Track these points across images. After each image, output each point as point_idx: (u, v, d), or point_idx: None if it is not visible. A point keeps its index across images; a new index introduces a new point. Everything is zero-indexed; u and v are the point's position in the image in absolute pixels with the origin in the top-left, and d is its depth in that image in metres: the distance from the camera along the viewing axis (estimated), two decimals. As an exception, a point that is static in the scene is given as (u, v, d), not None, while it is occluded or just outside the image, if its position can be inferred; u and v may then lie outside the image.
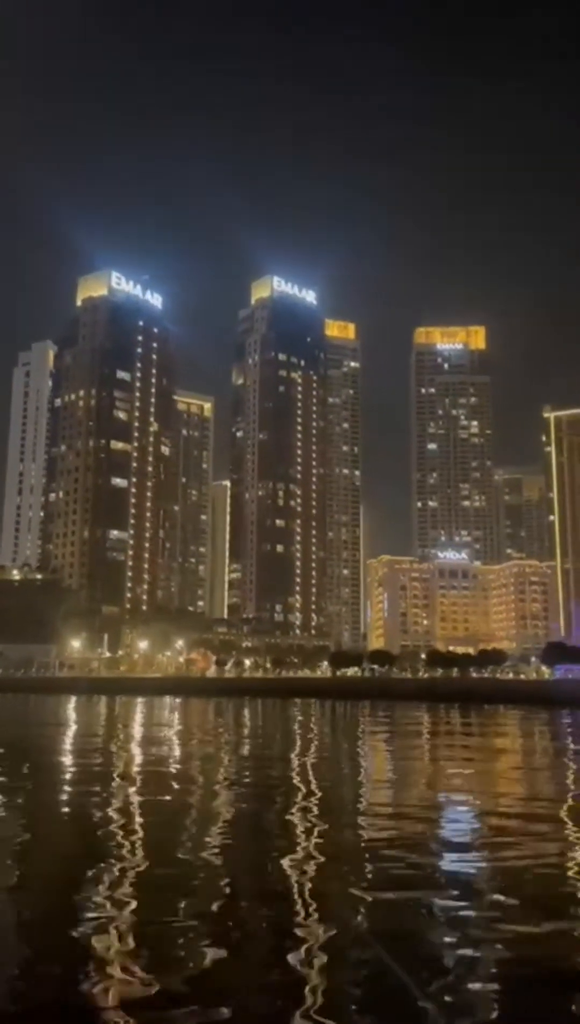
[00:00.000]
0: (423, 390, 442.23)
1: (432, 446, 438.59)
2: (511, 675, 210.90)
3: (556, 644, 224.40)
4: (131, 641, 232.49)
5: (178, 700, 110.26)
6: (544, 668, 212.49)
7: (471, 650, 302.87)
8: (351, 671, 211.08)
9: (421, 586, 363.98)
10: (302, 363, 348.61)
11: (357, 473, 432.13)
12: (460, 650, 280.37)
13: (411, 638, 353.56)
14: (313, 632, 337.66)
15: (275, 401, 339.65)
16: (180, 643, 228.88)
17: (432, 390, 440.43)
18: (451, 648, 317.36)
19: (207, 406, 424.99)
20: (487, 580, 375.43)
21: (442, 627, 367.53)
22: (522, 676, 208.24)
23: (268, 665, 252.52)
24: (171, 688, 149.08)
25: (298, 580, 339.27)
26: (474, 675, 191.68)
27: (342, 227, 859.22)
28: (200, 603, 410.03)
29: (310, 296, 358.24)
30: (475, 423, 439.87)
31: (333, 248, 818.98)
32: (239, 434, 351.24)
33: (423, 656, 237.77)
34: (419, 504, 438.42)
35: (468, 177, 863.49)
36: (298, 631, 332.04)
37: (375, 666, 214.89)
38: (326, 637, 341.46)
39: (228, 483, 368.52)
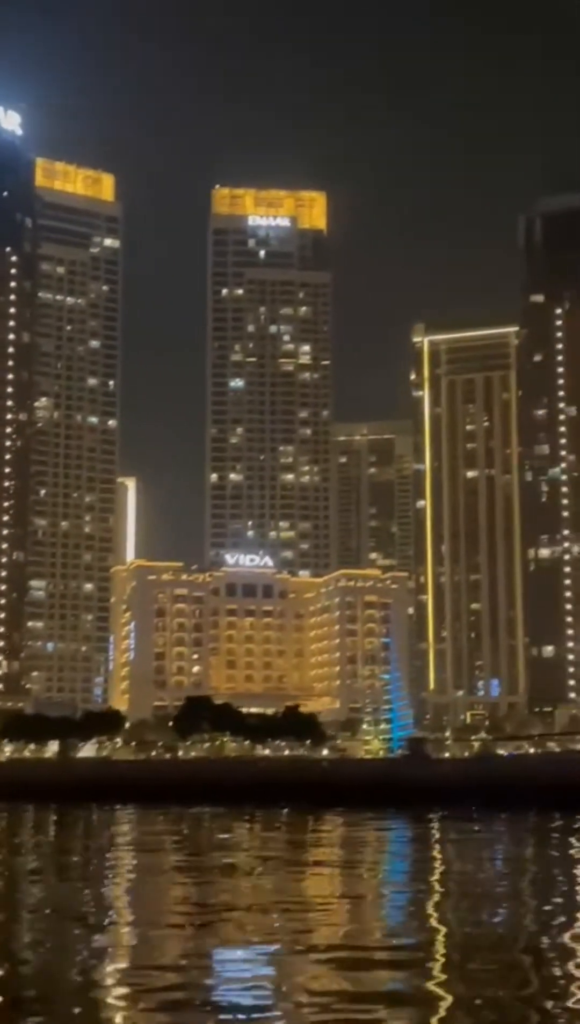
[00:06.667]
0: (225, 291, 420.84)
1: (237, 382, 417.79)
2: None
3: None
4: None
5: None
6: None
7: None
8: None
9: (193, 610, 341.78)
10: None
11: (113, 424, 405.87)
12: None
13: (172, 694, 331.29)
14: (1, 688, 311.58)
15: None
16: None
17: (239, 291, 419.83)
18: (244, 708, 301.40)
19: None
20: (304, 601, 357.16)
21: (229, 676, 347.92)
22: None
23: None
24: None
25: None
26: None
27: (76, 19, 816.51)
28: None
29: (11, 121, 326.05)
30: (307, 347, 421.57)
31: (67, 54, 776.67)
32: None
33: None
34: (215, 477, 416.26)
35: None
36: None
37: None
38: (24, 696, 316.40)
39: None
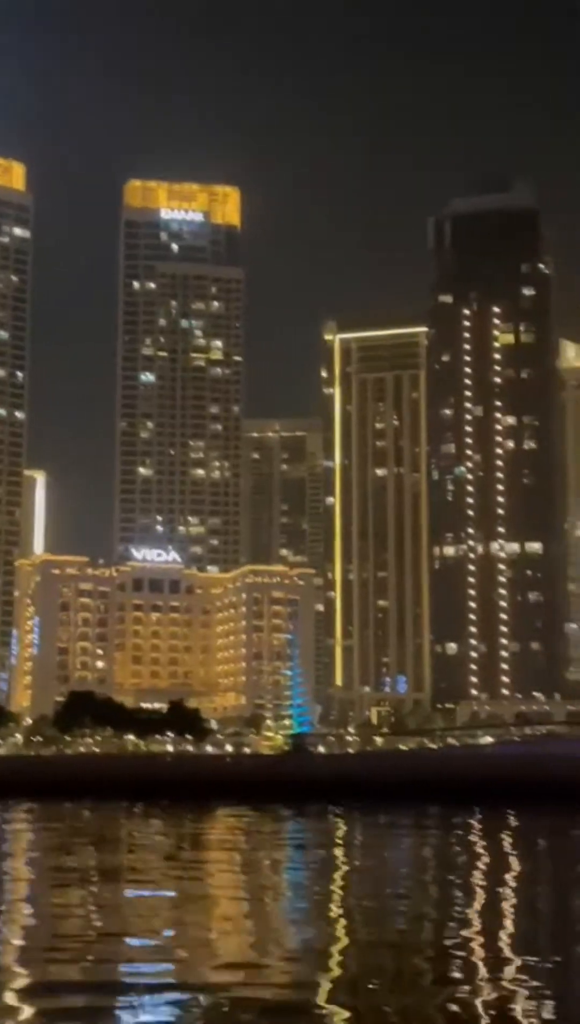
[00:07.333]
0: (136, 284, 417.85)
1: (148, 376, 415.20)
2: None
3: None
4: None
5: None
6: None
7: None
8: None
9: (97, 605, 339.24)
10: None
11: (21, 416, 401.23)
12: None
13: (75, 689, 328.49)
14: None
15: None
16: None
17: (151, 284, 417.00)
18: (144, 705, 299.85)
19: None
20: (211, 597, 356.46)
21: (134, 671, 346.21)
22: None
23: None
24: None
25: None
26: None
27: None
28: None
29: None
30: (219, 343, 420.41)
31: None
32: None
33: None
34: (124, 471, 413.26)
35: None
36: None
37: None
38: None
39: None
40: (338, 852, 64.51)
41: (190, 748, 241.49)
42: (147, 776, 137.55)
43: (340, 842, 73.28)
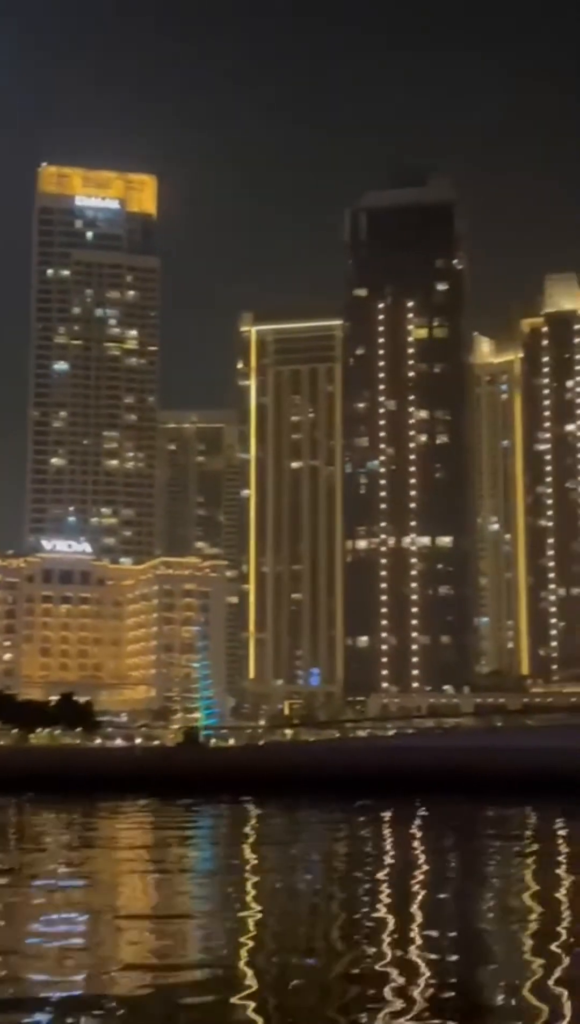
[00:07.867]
0: (50, 271, 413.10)
1: (61, 365, 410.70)
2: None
3: None
4: None
5: None
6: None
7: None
8: None
9: (5, 596, 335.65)
10: None
11: None
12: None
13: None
14: None
15: None
16: None
17: (65, 272, 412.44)
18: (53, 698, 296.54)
19: None
20: (122, 589, 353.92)
21: (43, 664, 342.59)
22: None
23: None
24: None
25: None
26: None
27: None
28: None
29: None
30: (134, 332, 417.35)
31: None
32: None
33: None
34: (37, 461, 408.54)
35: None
36: None
37: None
38: None
39: None
40: (234, 846, 63.65)
41: (99, 741, 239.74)
42: (38, 769, 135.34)
43: (237, 835, 72.43)
